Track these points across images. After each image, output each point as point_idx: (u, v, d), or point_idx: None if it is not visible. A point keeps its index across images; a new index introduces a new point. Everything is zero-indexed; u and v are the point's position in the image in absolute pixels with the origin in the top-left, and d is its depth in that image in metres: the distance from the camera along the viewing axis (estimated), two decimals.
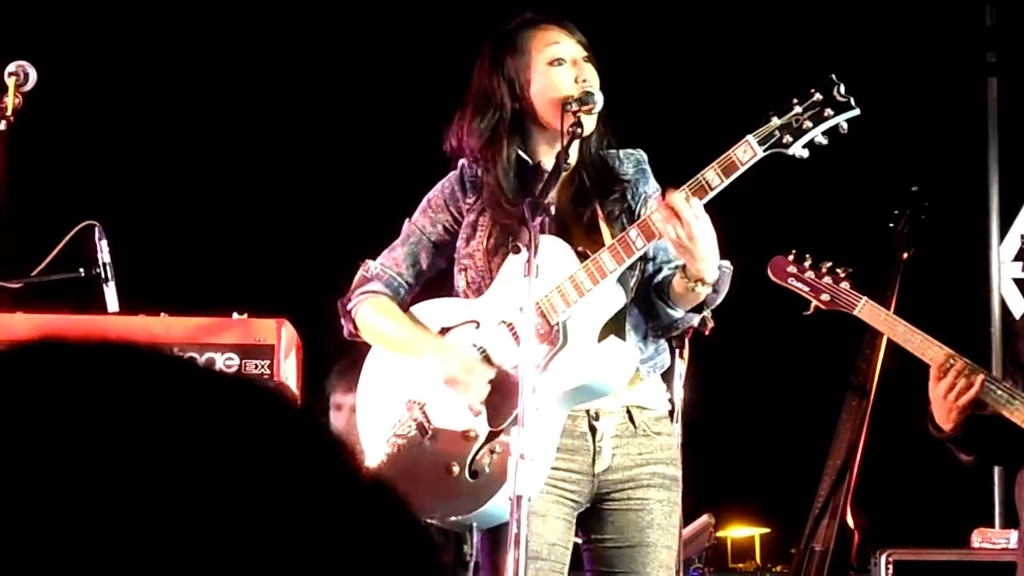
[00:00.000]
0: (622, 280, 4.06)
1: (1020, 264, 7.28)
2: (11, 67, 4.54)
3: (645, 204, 4.14)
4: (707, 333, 4.32)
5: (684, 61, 7.40)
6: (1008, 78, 7.45)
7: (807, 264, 4.81)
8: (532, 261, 3.84)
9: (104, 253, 4.85)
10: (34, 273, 4.83)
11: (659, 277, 4.10)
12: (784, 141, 3.87)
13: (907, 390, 5.12)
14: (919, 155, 7.07)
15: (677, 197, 3.86)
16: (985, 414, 4.66)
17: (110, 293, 4.82)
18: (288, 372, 4.79)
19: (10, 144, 4.55)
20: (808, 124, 3.87)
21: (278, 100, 7.55)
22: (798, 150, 3.87)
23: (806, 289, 4.82)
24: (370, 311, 4.29)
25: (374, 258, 4.38)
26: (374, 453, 4.26)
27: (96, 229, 4.86)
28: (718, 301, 4.08)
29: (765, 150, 3.88)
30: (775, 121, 3.88)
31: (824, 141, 3.89)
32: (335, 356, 6.49)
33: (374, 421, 4.31)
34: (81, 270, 4.85)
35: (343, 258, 4.53)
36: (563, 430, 4.07)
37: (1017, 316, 6.79)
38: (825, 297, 4.81)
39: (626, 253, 3.98)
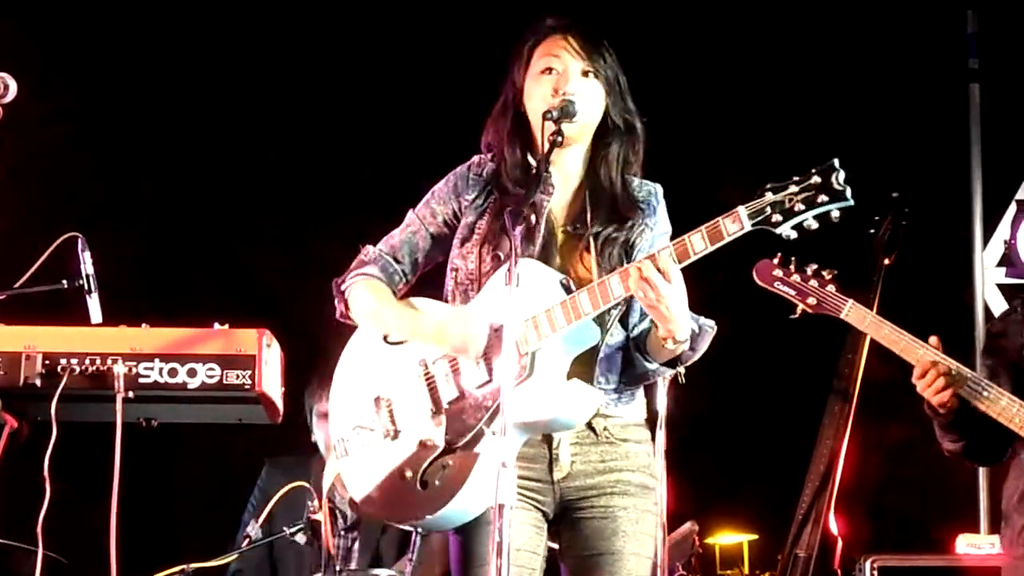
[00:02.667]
0: (599, 319, 4.07)
1: (1003, 269, 7.28)
2: None
3: (641, 236, 4.15)
4: (680, 382, 4.33)
5: (677, 68, 7.42)
6: (990, 84, 7.47)
7: (793, 267, 4.82)
8: (513, 270, 3.85)
9: (87, 265, 4.85)
10: (17, 285, 4.83)
11: (639, 329, 4.14)
12: (773, 220, 3.85)
13: (888, 396, 5.16)
14: (902, 161, 7.09)
15: (647, 264, 3.88)
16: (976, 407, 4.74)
17: (93, 304, 4.82)
18: (269, 382, 4.78)
19: None
20: (800, 207, 3.84)
21: (259, 110, 7.55)
22: (787, 231, 3.86)
23: (792, 293, 4.83)
24: (363, 290, 4.31)
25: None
26: (341, 443, 4.29)
27: (79, 241, 4.86)
28: (694, 358, 4.11)
29: (753, 225, 3.86)
30: (768, 196, 3.85)
31: (815, 225, 3.85)
32: (316, 366, 6.51)
33: (345, 412, 4.33)
34: (64, 282, 4.85)
35: (325, 268, 4.53)
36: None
37: None
38: (812, 301, 4.83)
39: (603, 299, 3.99)
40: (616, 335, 4.13)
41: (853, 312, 4.84)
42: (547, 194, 4.17)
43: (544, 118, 4.08)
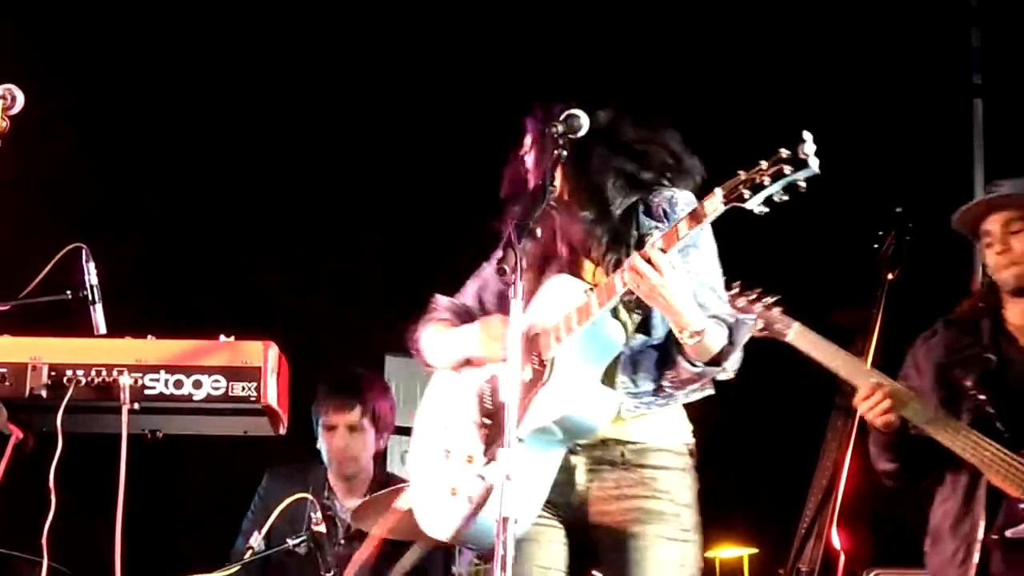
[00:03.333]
0: (622, 322, 4.14)
1: None
2: None
3: (651, 237, 4.17)
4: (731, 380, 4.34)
5: (670, 77, 7.42)
6: (993, 99, 7.47)
7: (738, 291, 4.91)
8: (518, 283, 3.90)
9: (91, 275, 4.85)
10: (21, 295, 4.83)
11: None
12: (744, 196, 3.90)
13: None
14: (905, 176, 7.09)
15: (635, 255, 3.99)
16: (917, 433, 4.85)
17: (97, 315, 4.82)
18: (274, 394, 4.79)
19: None
20: (767, 180, 3.88)
21: (265, 121, 7.56)
22: (755, 205, 3.90)
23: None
24: (428, 331, 4.51)
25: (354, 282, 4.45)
26: (416, 471, 4.43)
27: (83, 251, 4.86)
28: (735, 352, 4.13)
29: (726, 204, 3.92)
30: (741, 175, 3.92)
31: (785, 198, 3.90)
32: (321, 378, 6.51)
33: (421, 444, 4.45)
34: (68, 292, 4.85)
35: (329, 280, 4.55)
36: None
37: None
38: (759, 324, 4.92)
39: (608, 295, 4.07)
40: (638, 339, 4.17)
41: (798, 335, 4.96)
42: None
43: (548, 132, 4.19)
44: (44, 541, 4.42)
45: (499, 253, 4.28)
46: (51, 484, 4.40)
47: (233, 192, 7.51)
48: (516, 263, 3.94)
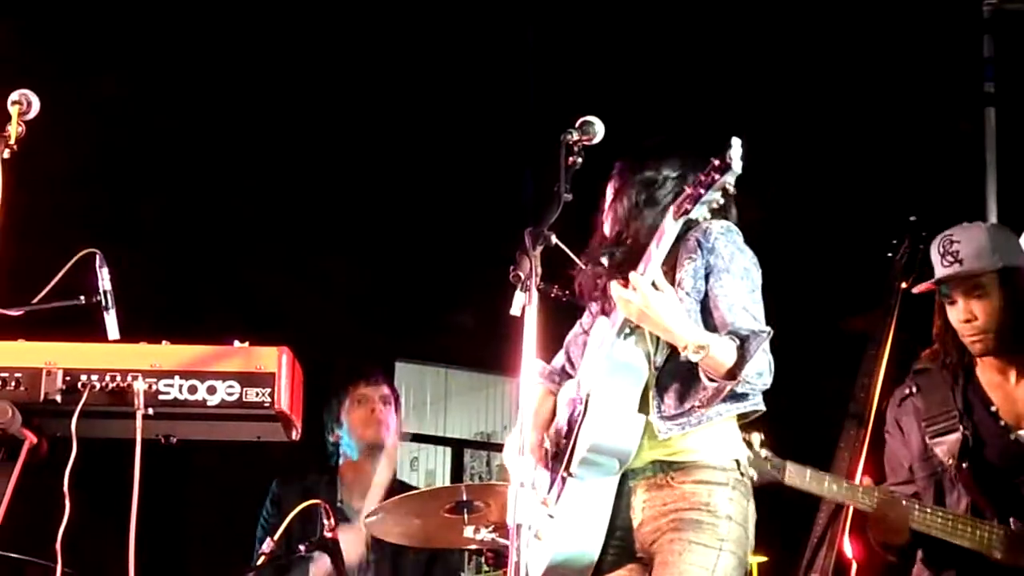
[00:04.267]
0: (645, 352, 4.28)
1: None
2: (14, 95, 4.55)
3: (685, 272, 4.32)
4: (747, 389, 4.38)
5: (686, 86, 7.43)
6: (1006, 108, 7.47)
7: None
8: (531, 290, 3.92)
9: (105, 281, 4.86)
10: (35, 300, 4.84)
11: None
12: (688, 209, 4.11)
13: None
14: (918, 184, 7.10)
15: (614, 283, 4.18)
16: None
17: (111, 320, 4.83)
18: (288, 400, 4.78)
19: (13, 171, 4.57)
20: (702, 191, 4.09)
21: (280, 129, 7.57)
22: (699, 213, 4.12)
23: None
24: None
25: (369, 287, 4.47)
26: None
27: (97, 257, 4.87)
28: (750, 361, 4.16)
29: (676, 219, 4.13)
30: (686, 190, 4.14)
31: (721, 201, 4.13)
32: (335, 385, 6.52)
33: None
34: (82, 297, 4.86)
35: (344, 286, 4.55)
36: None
37: None
38: (753, 475, 4.94)
39: (613, 322, 4.29)
40: (666, 360, 4.28)
41: (792, 476, 4.96)
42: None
43: (563, 140, 4.26)
44: (58, 547, 4.41)
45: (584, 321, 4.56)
46: (65, 490, 4.39)
47: (247, 199, 7.52)
48: (531, 270, 3.96)
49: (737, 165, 4.02)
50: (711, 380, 4.15)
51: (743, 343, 4.14)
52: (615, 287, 4.14)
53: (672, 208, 4.11)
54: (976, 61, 7.53)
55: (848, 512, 6.09)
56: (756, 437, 4.90)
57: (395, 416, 6.43)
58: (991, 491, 4.94)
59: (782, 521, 7.11)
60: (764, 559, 7.53)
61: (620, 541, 4.34)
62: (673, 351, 4.21)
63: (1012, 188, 7.32)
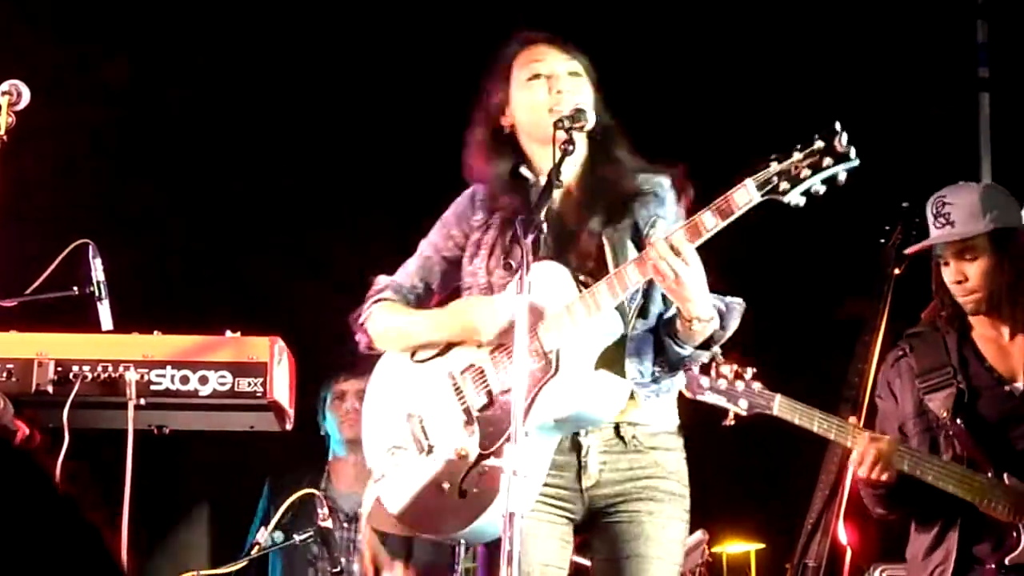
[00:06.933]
0: (620, 310, 4.07)
1: None
2: (4, 86, 4.56)
3: (653, 227, 4.13)
4: (718, 362, 4.32)
5: (680, 72, 7.42)
6: (1000, 93, 7.46)
7: (715, 374, 4.90)
8: (524, 278, 3.84)
9: (98, 271, 4.86)
10: (28, 291, 4.84)
11: (668, 314, 4.11)
12: (781, 188, 3.83)
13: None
14: (912, 170, 7.08)
15: (661, 243, 3.88)
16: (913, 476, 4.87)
17: (104, 311, 4.82)
18: (280, 389, 4.79)
19: (3, 162, 4.56)
20: (806, 172, 3.83)
21: (272, 120, 7.56)
22: (795, 198, 3.84)
23: (723, 400, 4.96)
24: (381, 313, 4.34)
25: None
26: (377, 464, 4.30)
27: (90, 248, 4.87)
28: (726, 337, 4.10)
29: (762, 196, 3.84)
30: (774, 167, 3.84)
31: (822, 189, 3.84)
32: (327, 374, 6.52)
33: (378, 435, 4.33)
34: (75, 288, 4.86)
35: (336, 275, 4.54)
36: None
37: None
38: (743, 403, 4.95)
39: (621, 287, 3.99)
40: (639, 324, 4.11)
41: (782, 406, 4.95)
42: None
43: (556, 127, 4.05)
44: None
45: (443, 230, 4.33)
46: (57, 480, 4.39)
47: (240, 189, 7.51)
48: (523, 258, 3.88)
49: (854, 156, 3.80)
50: (682, 347, 4.05)
51: (723, 317, 4.06)
52: (664, 250, 3.84)
53: (755, 183, 3.82)
54: (970, 47, 7.53)
55: (843, 499, 6.10)
56: (749, 371, 4.92)
57: None
58: (985, 444, 4.94)
59: (778, 508, 7.12)
60: (761, 546, 7.54)
61: (551, 503, 4.11)
62: (640, 315, 4.10)
63: (1006, 173, 7.32)
